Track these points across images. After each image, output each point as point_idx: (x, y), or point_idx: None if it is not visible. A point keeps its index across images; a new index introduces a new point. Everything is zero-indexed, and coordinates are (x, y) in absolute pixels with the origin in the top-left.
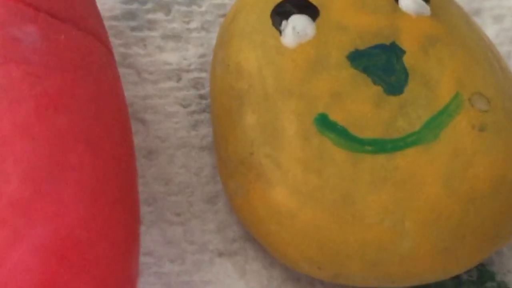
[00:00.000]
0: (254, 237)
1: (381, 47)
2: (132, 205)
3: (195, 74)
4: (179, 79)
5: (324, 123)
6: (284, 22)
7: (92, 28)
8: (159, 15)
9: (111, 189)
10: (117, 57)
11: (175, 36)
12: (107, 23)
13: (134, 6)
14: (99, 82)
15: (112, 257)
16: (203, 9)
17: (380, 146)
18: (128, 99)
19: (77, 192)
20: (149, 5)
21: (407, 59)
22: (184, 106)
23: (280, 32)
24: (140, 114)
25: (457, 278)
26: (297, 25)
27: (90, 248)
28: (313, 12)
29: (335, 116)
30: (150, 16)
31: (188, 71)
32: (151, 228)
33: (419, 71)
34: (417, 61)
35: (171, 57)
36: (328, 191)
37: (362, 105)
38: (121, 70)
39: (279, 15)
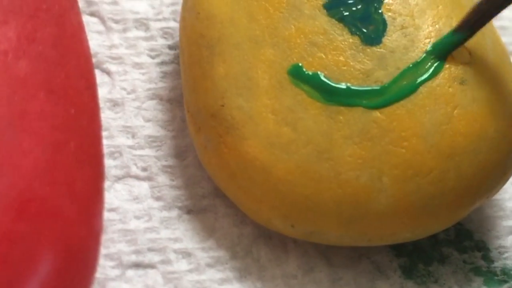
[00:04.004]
0: (224, 193)
1: None
2: (96, 158)
3: (164, 24)
4: (147, 29)
5: (298, 74)
6: None
7: None
8: None
9: (73, 140)
10: (80, 4)
11: None
12: None
13: None
14: (61, 27)
15: (74, 212)
16: None
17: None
18: (92, 49)
19: (37, 141)
20: None
21: (386, 8)
22: (152, 57)
23: None
24: (105, 65)
25: (434, 237)
26: None
27: (50, 201)
28: None
29: (310, 67)
30: None
31: (156, 20)
32: (116, 183)
33: (399, 20)
34: (397, 10)
35: (138, 5)
36: (302, 145)
37: (338, 56)
38: (85, 19)
39: None
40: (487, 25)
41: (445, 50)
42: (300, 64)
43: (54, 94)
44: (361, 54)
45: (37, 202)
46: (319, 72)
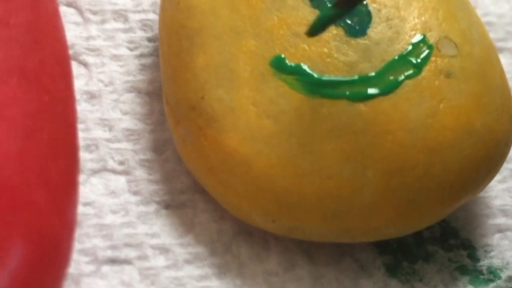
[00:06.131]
0: (204, 188)
1: None
2: (70, 148)
3: (143, 16)
4: (125, 20)
5: (281, 65)
6: None
7: None
8: None
9: (47, 129)
10: None
11: None
12: None
13: None
14: (36, 13)
15: (47, 202)
16: None
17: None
18: (69, 40)
19: (8, 128)
20: None
21: (371, 0)
22: (131, 49)
23: None
24: (82, 57)
25: (419, 235)
26: None
27: (22, 189)
28: None
29: (293, 59)
30: None
31: (135, 11)
32: (92, 177)
33: (384, 12)
34: (382, 2)
35: None
36: (284, 138)
37: (322, 48)
38: (62, 9)
39: None
40: (474, 19)
41: (323, 24)
42: (282, 56)
43: (27, 80)
44: (345, 45)
45: (7, 190)
46: (302, 64)
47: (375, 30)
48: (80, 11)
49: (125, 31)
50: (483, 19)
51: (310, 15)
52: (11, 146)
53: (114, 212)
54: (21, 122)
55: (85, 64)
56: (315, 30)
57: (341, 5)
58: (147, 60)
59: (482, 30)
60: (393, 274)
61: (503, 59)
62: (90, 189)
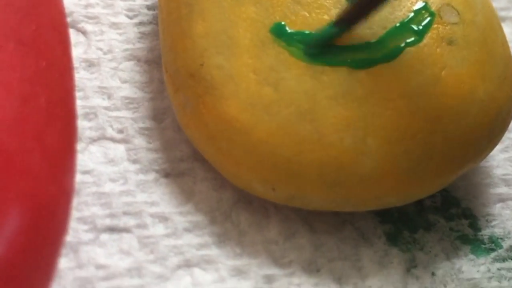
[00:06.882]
0: (203, 156)
1: None
2: (68, 116)
3: None
4: None
5: (281, 32)
6: None
7: None
8: None
9: (44, 95)
10: None
11: None
12: None
13: None
14: None
15: (44, 168)
16: None
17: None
18: (68, 8)
19: (5, 93)
20: None
21: None
22: (130, 17)
23: None
24: (81, 24)
25: (420, 204)
26: None
27: (19, 155)
28: None
29: (293, 26)
30: None
31: None
32: (91, 145)
33: None
34: None
35: None
36: (284, 105)
37: (323, 15)
38: None
39: None
40: None
41: (323, 42)
42: (283, 23)
43: (24, 46)
44: None
45: (3, 155)
46: (302, 31)
47: None
48: None
49: None
50: None
51: None
52: (7, 111)
53: (113, 180)
54: (18, 87)
55: (83, 32)
56: (315, 49)
57: (341, 23)
58: (146, 28)
59: None
60: (393, 243)
61: (506, 28)
62: (88, 157)
